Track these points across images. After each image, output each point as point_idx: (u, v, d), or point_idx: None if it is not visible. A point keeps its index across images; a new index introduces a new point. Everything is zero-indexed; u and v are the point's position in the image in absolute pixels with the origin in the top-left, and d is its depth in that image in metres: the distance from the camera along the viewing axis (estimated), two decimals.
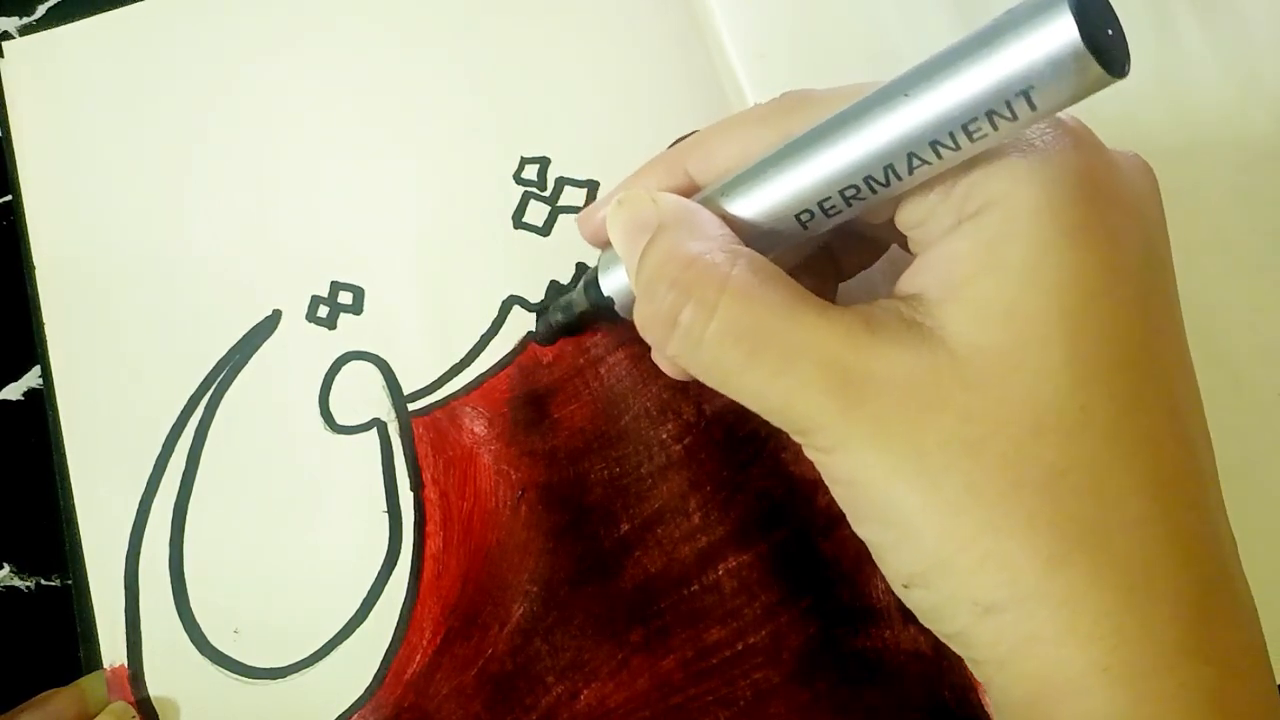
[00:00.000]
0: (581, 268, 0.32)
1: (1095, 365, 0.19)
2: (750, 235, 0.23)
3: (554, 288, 0.32)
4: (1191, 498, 0.20)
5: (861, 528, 0.21)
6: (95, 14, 0.36)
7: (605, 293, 0.26)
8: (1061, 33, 0.17)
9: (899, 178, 0.20)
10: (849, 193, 0.21)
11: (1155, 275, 0.21)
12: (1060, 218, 0.19)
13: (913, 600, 0.21)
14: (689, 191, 0.25)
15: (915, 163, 0.20)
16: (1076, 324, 0.19)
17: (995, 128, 0.18)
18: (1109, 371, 0.19)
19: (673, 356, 0.22)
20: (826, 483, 0.21)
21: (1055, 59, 0.17)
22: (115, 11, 0.36)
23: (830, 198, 0.21)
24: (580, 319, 0.28)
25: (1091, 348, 0.19)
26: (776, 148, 0.22)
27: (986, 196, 0.20)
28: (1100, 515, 0.19)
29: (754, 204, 0.23)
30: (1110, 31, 0.18)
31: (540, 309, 0.32)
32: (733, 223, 0.23)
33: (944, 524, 0.19)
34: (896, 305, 0.21)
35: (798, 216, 0.22)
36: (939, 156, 0.19)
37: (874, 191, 0.21)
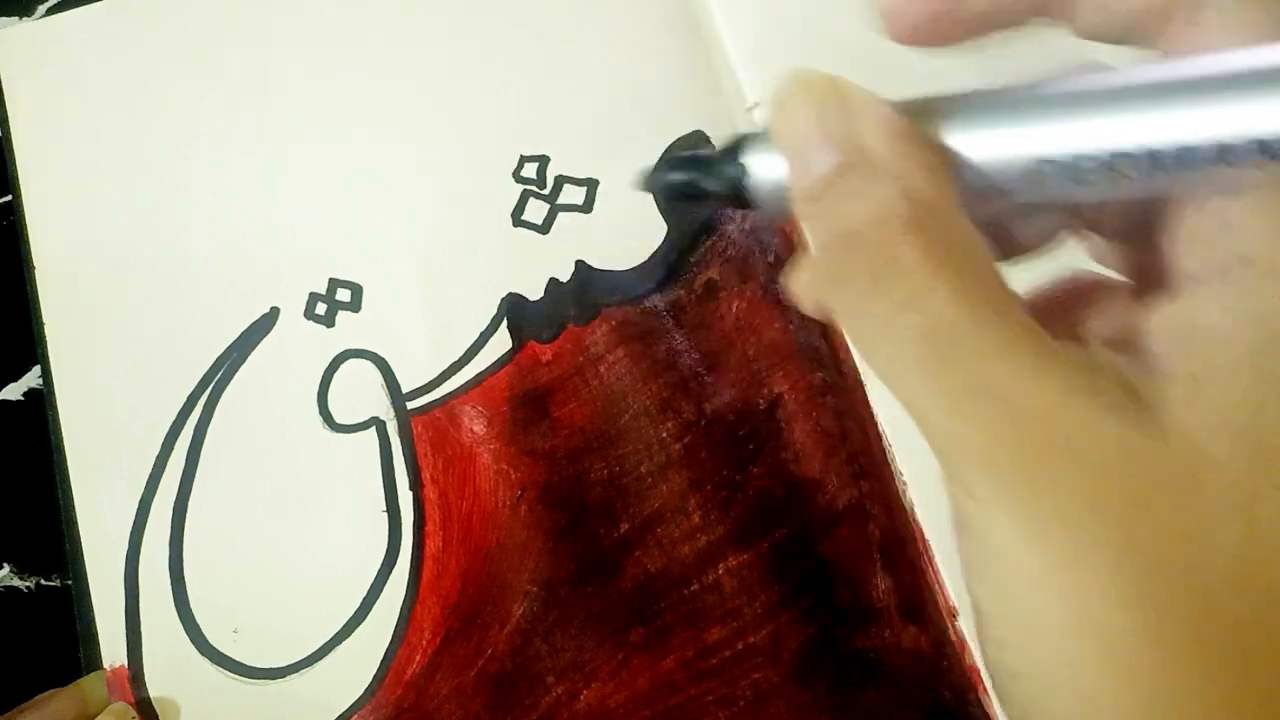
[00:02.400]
0: (581, 266, 0.32)
1: None
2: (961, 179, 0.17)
3: (553, 284, 0.32)
4: None
5: (977, 589, 0.17)
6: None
7: (750, 175, 0.18)
8: None
9: (1217, 164, 0.15)
10: (1131, 162, 0.15)
11: None
12: None
13: (995, 660, 0.17)
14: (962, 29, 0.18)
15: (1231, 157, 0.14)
16: None
17: None
18: None
19: (835, 316, 0.17)
20: (953, 522, 0.17)
21: None
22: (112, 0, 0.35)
23: (1107, 160, 0.15)
24: (695, 187, 0.19)
25: None
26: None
27: (1240, 246, 0.15)
28: None
29: (991, 144, 0.16)
30: None
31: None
32: (951, 159, 0.17)
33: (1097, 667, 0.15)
34: (1121, 363, 0.16)
35: (1036, 173, 0.16)
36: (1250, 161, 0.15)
37: (1165, 171, 0.15)
